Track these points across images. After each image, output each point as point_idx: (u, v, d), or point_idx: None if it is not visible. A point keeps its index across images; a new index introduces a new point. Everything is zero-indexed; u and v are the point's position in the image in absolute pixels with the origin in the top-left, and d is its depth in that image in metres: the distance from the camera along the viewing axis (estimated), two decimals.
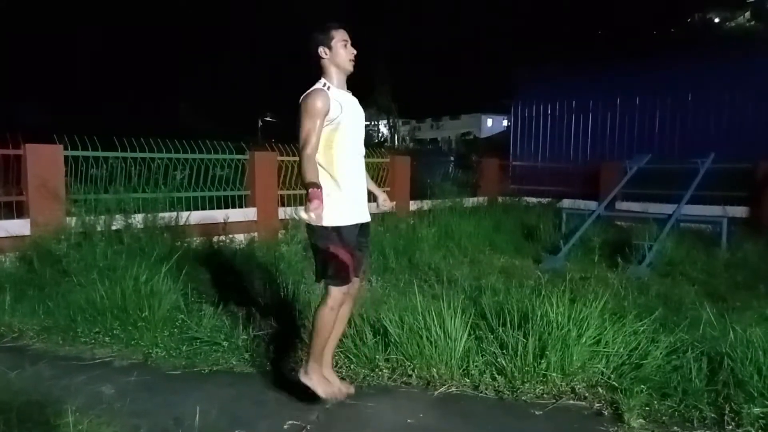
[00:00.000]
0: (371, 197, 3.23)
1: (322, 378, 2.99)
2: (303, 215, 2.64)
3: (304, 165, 2.72)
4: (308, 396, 3.04)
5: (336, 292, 2.87)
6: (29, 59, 21.71)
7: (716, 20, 38.52)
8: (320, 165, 2.84)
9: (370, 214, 3.12)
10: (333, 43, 2.85)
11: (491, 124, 50.61)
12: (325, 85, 2.84)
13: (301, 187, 2.84)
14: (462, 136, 43.73)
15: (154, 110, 22.85)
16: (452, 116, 53.58)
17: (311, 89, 2.82)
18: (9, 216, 5.96)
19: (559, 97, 13.68)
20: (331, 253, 2.83)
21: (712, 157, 8.42)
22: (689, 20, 36.09)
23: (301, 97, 2.83)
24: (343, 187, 2.85)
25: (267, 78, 27.16)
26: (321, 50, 2.85)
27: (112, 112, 21.59)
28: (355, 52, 2.91)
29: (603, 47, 17.16)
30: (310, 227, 2.87)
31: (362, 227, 3.00)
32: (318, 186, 2.65)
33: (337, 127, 2.80)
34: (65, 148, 6.35)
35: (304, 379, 2.96)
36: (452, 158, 18.15)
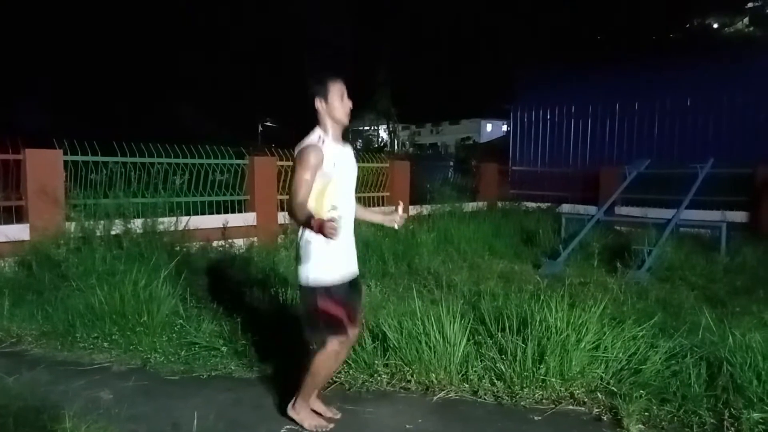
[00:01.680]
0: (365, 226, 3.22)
1: (309, 413, 3.01)
2: (330, 232, 2.57)
3: (296, 210, 2.70)
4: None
5: (334, 340, 2.84)
6: (29, 64, 21.74)
7: (715, 25, 38.63)
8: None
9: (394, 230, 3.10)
10: (329, 96, 2.85)
11: (491, 129, 50.65)
12: (320, 138, 2.83)
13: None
14: (462, 141, 43.76)
15: (154, 115, 22.88)
16: (452, 121, 53.64)
17: (307, 142, 2.81)
18: (8, 221, 5.96)
19: (558, 102, 13.70)
20: (322, 310, 2.79)
21: (711, 162, 8.43)
22: (688, 25, 36.20)
23: (297, 148, 2.84)
24: (331, 242, 2.72)
25: (267, 82, 27.20)
26: (317, 101, 2.86)
27: (112, 117, 21.63)
28: (350, 104, 2.91)
29: (602, 52, 17.18)
30: (299, 286, 2.88)
31: (352, 281, 2.96)
32: (312, 215, 2.64)
33: (329, 182, 2.80)
34: (65, 153, 6.35)
35: (292, 414, 3.00)
36: (452, 163, 18.18)
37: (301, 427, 2.97)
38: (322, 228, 2.54)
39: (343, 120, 2.91)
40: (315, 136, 2.85)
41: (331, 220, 2.57)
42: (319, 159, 2.75)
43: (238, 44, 26.15)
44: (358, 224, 3.13)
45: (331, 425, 3.00)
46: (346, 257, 2.92)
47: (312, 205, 2.76)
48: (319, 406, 3.09)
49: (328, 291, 2.80)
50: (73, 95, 22.68)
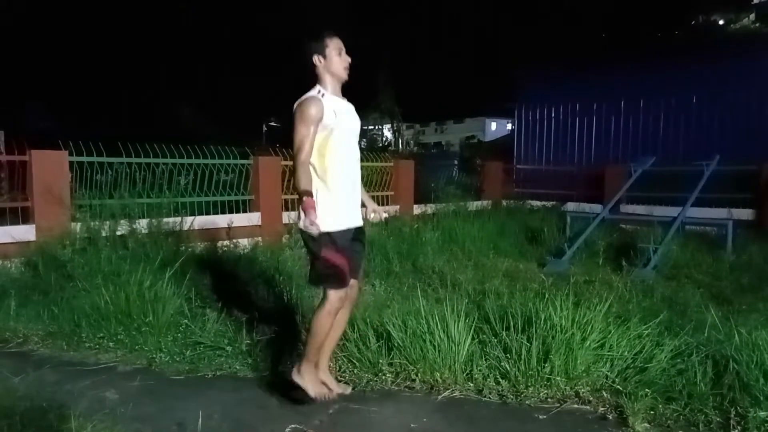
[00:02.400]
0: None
1: (314, 378, 3.01)
2: (312, 229, 2.69)
3: (297, 172, 2.74)
4: (299, 396, 3.06)
5: (333, 295, 2.89)
6: (35, 65, 21.85)
7: (720, 22, 38.43)
8: (314, 170, 2.87)
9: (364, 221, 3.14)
10: (327, 51, 2.86)
11: (495, 127, 50.59)
12: (319, 92, 2.84)
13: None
14: (466, 140, 43.73)
15: (159, 115, 22.95)
16: (456, 120, 53.62)
17: (305, 96, 2.83)
18: (14, 221, 5.99)
19: (563, 100, 13.66)
20: (325, 258, 2.84)
21: (717, 160, 8.39)
22: (693, 22, 36.03)
23: (295, 104, 2.84)
24: (336, 192, 2.86)
25: (271, 82, 27.25)
26: (315, 58, 2.86)
27: (117, 118, 21.70)
28: (349, 60, 2.92)
29: (607, 50, 17.13)
30: (303, 233, 2.89)
31: (356, 231, 3.01)
32: (311, 195, 2.69)
33: (331, 134, 2.81)
34: (70, 154, 6.38)
35: (296, 378, 2.99)
36: (456, 162, 18.15)
37: (305, 392, 2.96)
38: (307, 214, 2.60)
39: (342, 74, 2.91)
40: (314, 90, 2.85)
41: (313, 221, 2.63)
42: (320, 110, 2.76)
43: (242, 44, 26.20)
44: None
45: (337, 393, 3.01)
46: (349, 208, 2.95)
47: (315, 157, 2.76)
48: (329, 379, 3.09)
49: (331, 238, 2.82)
50: (78, 96, 22.77)
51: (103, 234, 5.81)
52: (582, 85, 13.22)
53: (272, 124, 32.50)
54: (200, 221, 7.06)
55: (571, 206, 11.16)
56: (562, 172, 12.86)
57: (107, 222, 5.95)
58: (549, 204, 11.58)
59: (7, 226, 5.88)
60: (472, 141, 41.54)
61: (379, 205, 8.46)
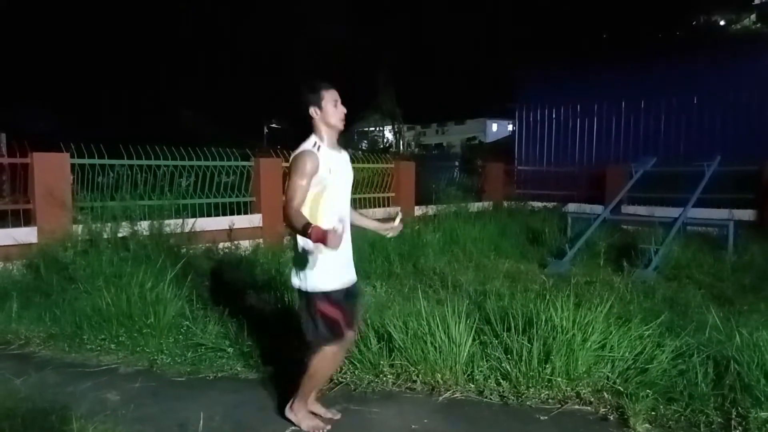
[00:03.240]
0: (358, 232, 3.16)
1: (306, 413, 3.03)
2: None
3: (291, 217, 2.66)
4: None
5: (332, 344, 2.87)
6: (36, 68, 21.89)
7: (721, 22, 38.42)
8: None
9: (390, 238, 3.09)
10: (323, 103, 2.86)
11: (496, 128, 50.58)
12: (315, 144, 2.83)
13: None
14: (467, 141, 43.72)
15: (160, 117, 22.97)
16: (457, 121, 53.60)
17: (302, 149, 2.82)
18: (16, 224, 6.00)
19: (563, 101, 13.67)
20: (321, 312, 2.81)
21: (718, 160, 8.38)
22: (694, 22, 36.02)
23: (292, 155, 2.85)
24: (329, 251, 2.70)
25: (272, 84, 27.27)
26: (312, 110, 2.86)
27: (118, 120, 21.73)
28: (345, 111, 2.92)
29: (607, 50, 17.11)
30: (298, 291, 2.89)
31: (351, 287, 2.96)
32: (309, 224, 2.58)
33: (324, 189, 2.80)
34: (72, 156, 6.39)
35: (289, 415, 3.03)
36: (457, 163, 18.15)
37: (299, 428, 2.98)
38: (323, 237, 2.47)
39: (338, 126, 2.91)
40: (310, 142, 2.85)
41: (334, 230, 2.50)
42: (315, 165, 2.76)
43: (244, 46, 26.22)
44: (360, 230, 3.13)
45: (329, 427, 3.00)
46: (344, 265, 2.91)
47: (306, 212, 2.75)
48: (318, 408, 3.11)
49: (327, 296, 2.82)
50: (79, 99, 22.82)
51: (105, 236, 5.82)
52: (583, 85, 13.23)
53: (273, 125, 32.52)
54: (201, 223, 7.07)
55: (572, 207, 11.15)
56: (563, 173, 12.86)
57: (109, 224, 5.96)
58: (550, 205, 11.58)
59: (8, 228, 5.90)
60: (473, 142, 41.58)
61: (380, 207, 8.41)
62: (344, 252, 2.90)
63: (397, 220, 3.19)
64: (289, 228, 2.74)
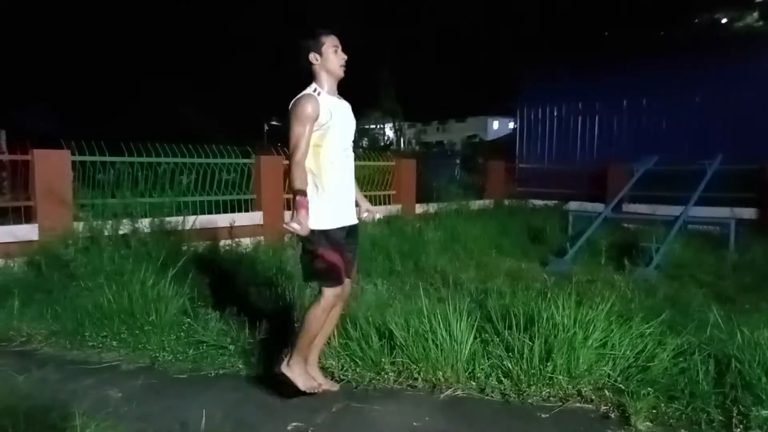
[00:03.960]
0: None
1: (303, 372, 3.04)
2: (293, 225, 2.72)
3: (293, 171, 2.77)
4: (289, 392, 3.09)
5: (328, 293, 2.92)
6: (36, 65, 21.88)
7: (724, 21, 38.34)
8: (308, 169, 2.88)
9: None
10: (324, 48, 2.86)
11: (497, 126, 50.59)
12: (315, 90, 2.84)
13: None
14: (468, 139, 43.68)
15: (161, 115, 22.96)
16: (458, 119, 53.58)
17: (301, 94, 2.84)
18: (17, 221, 6.00)
19: (565, 99, 13.66)
20: (321, 255, 2.87)
21: (719, 159, 8.38)
22: (696, 21, 35.95)
23: (291, 102, 2.84)
24: (330, 191, 2.89)
25: (272, 81, 27.25)
26: (312, 56, 2.86)
27: (119, 118, 21.71)
28: (345, 57, 2.92)
29: (609, 48, 17.08)
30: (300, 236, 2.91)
31: (350, 230, 3.04)
32: (305, 194, 2.71)
33: (326, 133, 2.82)
34: (72, 154, 6.39)
35: (285, 371, 3.02)
36: (458, 161, 18.14)
37: (294, 384, 2.99)
38: (298, 213, 2.63)
39: (338, 72, 2.91)
40: (310, 88, 2.86)
41: (300, 221, 2.65)
42: (316, 109, 2.76)
43: (243, 44, 26.20)
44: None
45: (325, 387, 3.04)
46: (343, 206, 2.98)
47: (310, 165, 2.80)
48: (317, 374, 3.13)
49: (326, 236, 2.86)
50: (79, 96, 22.81)
51: (106, 233, 5.81)
52: (584, 83, 13.21)
53: (274, 123, 32.50)
54: (202, 220, 7.06)
55: (573, 205, 11.15)
56: (565, 171, 12.85)
57: (109, 221, 5.95)
58: (551, 203, 11.58)
59: (9, 225, 5.90)
60: (474, 140, 41.53)
61: (381, 204, 8.43)
62: (344, 194, 2.98)
63: (368, 214, 3.31)
64: (289, 176, 2.81)
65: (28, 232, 5.86)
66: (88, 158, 6.52)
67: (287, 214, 8.06)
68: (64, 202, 6.01)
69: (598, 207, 9.55)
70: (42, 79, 22.09)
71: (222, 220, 7.40)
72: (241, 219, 7.58)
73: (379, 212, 8.12)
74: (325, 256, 2.87)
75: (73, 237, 5.63)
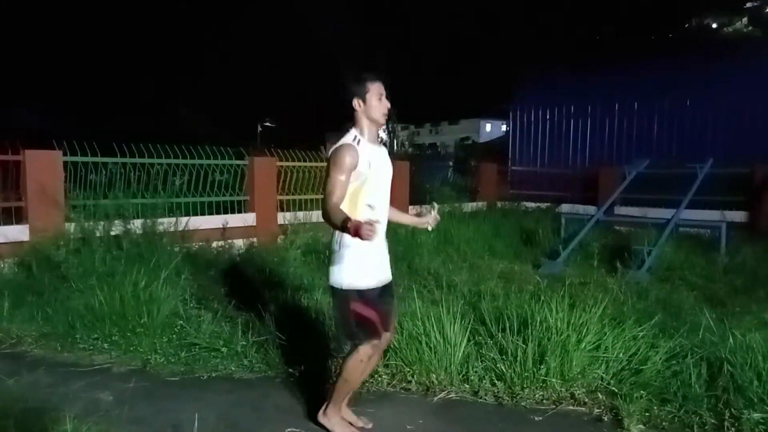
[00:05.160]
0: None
1: (340, 420, 2.96)
2: (368, 234, 2.42)
3: (331, 214, 2.60)
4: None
5: (365, 346, 2.79)
6: (28, 65, 21.74)
7: (714, 25, 38.64)
8: None
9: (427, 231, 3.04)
10: (368, 95, 2.78)
11: (490, 129, 50.67)
12: (355, 138, 2.76)
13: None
14: (461, 141, 43.76)
15: (154, 116, 22.87)
16: (451, 121, 53.64)
17: (342, 142, 2.75)
18: (8, 222, 5.95)
19: (557, 102, 13.71)
20: (355, 312, 2.75)
21: (710, 162, 8.44)
22: (687, 25, 36.21)
23: (331, 149, 2.77)
24: (365, 247, 2.68)
25: (266, 83, 27.22)
26: (355, 102, 2.78)
27: (112, 118, 21.60)
28: (389, 105, 2.82)
29: (601, 52, 17.18)
30: (332, 289, 2.82)
31: (385, 287, 2.89)
32: (348, 218, 2.51)
33: (364, 184, 2.74)
34: (64, 154, 6.34)
35: (323, 421, 2.94)
36: (451, 163, 18.17)
37: None
38: (358, 230, 2.41)
39: (381, 120, 2.83)
40: (350, 136, 2.78)
41: (368, 222, 2.43)
42: (355, 159, 2.68)
43: (238, 45, 26.15)
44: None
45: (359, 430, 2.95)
46: (379, 262, 2.85)
47: (346, 206, 2.68)
48: (350, 416, 3.04)
49: (361, 295, 2.74)
50: (72, 97, 22.68)
51: (98, 234, 5.77)
52: (576, 87, 13.27)
53: (267, 124, 32.44)
54: (195, 222, 7.03)
55: (565, 208, 11.19)
56: (557, 173, 12.90)
57: (101, 222, 5.91)
58: (544, 205, 11.61)
59: (0, 226, 5.85)
60: (466, 142, 41.63)
61: None
62: (379, 250, 2.86)
63: (434, 212, 3.15)
64: (327, 223, 2.65)
65: (18, 233, 5.80)
66: (80, 159, 6.47)
67: (280, 215, 8.04)
68: (55, 203, 5.96)
69: (590, 210, 9.61)
70: (34, 79, 21.94)
71: (215, 221, 7.37)
72: (234, 220, 7.55)
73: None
74: (359, 312, 2.74)
75: (64, 238, 5.59)
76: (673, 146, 11.65)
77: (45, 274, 5.14)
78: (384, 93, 2.83)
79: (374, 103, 2.79)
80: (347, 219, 2.50)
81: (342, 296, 2.77)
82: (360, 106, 2.79)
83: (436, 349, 3.50)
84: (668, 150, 11.53)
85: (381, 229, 2.84)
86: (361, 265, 2.75)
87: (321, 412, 2.96)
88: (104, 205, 6.19)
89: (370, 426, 3.05)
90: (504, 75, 16.40)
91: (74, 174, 6.45)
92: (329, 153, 2.78)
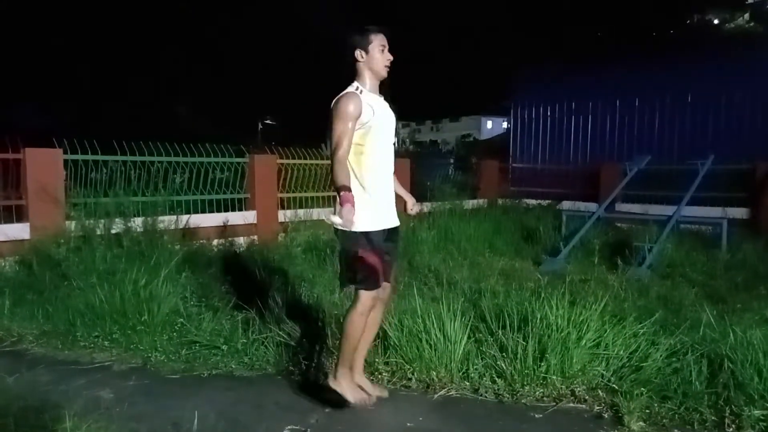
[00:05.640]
0: (399, 201, 3.17)
1: (351, 383, 2.95)
2: (334, 219, 2.59)
3: (335, 168, 2.66)
4: (334, 398, 3.02)
5: (366, 296, 2.83)
6: (29, 63, 21.74)
7: (715, 21, 38.55)
8: (350, 168, 2.80)
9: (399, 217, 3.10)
10: (371, 47, 2.80)
11: (491, 126, 50.62)
12: (357, 88, 2.79)
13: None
14: (462, 138, 43.73)
15: (154, 113, 22.88)
16: (452, 118, 53.60)
17: (344, 92, 2.77)
18: (8, 220, 5.96)
19: (558, 99, 13.69)
20: (360, 257, 2.79)
21: (711, 159, 8.42)
22: (688, 21, 36.13)
23: (333, 100, 2.79)
24: (372, 191, 2.81)
25: (267, 80, 27.21)
26: (357, 53, 2.80)
27: (112, 116, 21.60)
28: (391, 57, 2.85)
29: (602, 49, 17.16)
30: (338, 232, 2.84)
31: (391, 232, 2.95)
32: (349, 189, 2.61)
33: (368, 131, 2.76)
34: (65, 152, 6.35)
35: (334, 385, 2.93)
36: (452, 160, 18.17)
37: (345, 398, 2.92)
38: (344, 208, 2.51)
39: (383, 72, 2.86)
40: (353, 86, 2.80)
41: (351, 207, 2.54)
42: (358, 107, 2.70)
43: (238, 44, 26.14)
44: None
45: (374, 400, 2.94)
46: (385, 207, 2.92)
47: (351, 157, 2.72)
48: (364, 382, 3.04)
49: (368, 238, 2.79)
50: (73, 95, 22.69)
51: (98, 232, 5.78)
52: (577, 83, 13.25)
53: (267, 122, 32.44)
54: (195, 220, 7.04)
55: (566, 205, 11.18)
56: (558, 170, 12.89)
57: (102, 220, 5.92)
58: (545, 202, 11.61)
59: (1, 224, 5.85)
60: (467, 139, 41.61)
61: None
62: (387, 194, 2.93)
63: (421, 207, 3.31)
64: (332, 174, 2.70)
65: (19, 231, 5.81)
66: (80, 157, 6.48)
67: (281, 213, 8.04)
68: (56, 201, 5.97)
69: (591, 206, 9.60)
70: (37, 78, 21.96)
71: (215, 219, 7.37)
72: (235, 218, 7.56)
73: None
74: (364, 258, 2.78)
75: (65, 236, 5.60)
76: (674, 143, 11.63)
77: (45, 272, 5.15)
78: (387, 45, 2.86)
79: (377, 54, 2.82)
80: (346, 188, 2.60)
81: (349, 239, 2.80)
82: (362, 57, 2.81)
83: (437, 346, 3.49)
84: (669, 146, 11.51)
85: (387, 177, 2.93)
86: (370, 209, 2.80)
87: (331, 377, 2.96)
88: (105, 203, 6.20)
89: (386, 394, 3.06)
90: (505, 72, 16.36)
91: (75, 172, 6.46)
92: (332, 104, 2.79)
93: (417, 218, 8.15)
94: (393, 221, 2.97)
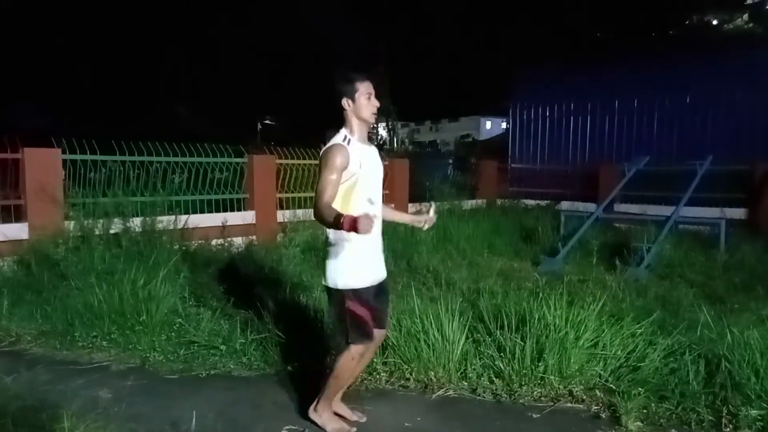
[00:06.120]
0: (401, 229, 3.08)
1: (331, 415, 2.97)
2: (365, 230, 2.40)
3: (323, 212, 2.59)
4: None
5: (358, 346, 2.81)
6: (28, 62, 21.71)
7: (714, 22, 38.58)
8: None
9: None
10: (357, 95, 2.79)
11: (490, 126, 50.64)
12: (345, 138, 2.77)
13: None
14: (461, 139, 43.71)
15: (153, 114, 22.86)
16: (451, 119, 53.59)
17: (332, 143, 2.76)
18: (7, 220, 5.95)
19: (557, 100, 13.70)
20: (349, 310, 2.77)
21: (710, 159, 8.43)
22: (687, 22, 36.15)
23: (322, 150, 2.79)
24: (359, 245, 2.75)
25: (266, 81, 27.19)
26: (344, 101, 2.80)
27: (111, 116, 21.58)
28: (378, 104, 2.85)
29: (601, 49, 17.18)
30: (328, 290, 2.84)
31: (380, 284, 2.92)
32: (340, 214, 2.51)
33: (355, 184, 2.75)
34: (63, 152, 6.34)
35: (314, 417, 2.95)
36: (451, 161, 18.17)
37: (323, 430, 2.92)
38: (355, 224, 2.40)
39: (369, 120, 2.84)
40: (340, 136, 2.79)
41: (366, 215, 2.45)
42: (345, 159, 2.69)
43: (237, 43, 26.12)
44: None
45: (354, 429, 2.94)
46: (374, 260, 2.87)
47: (338, 205, 2.68)
48: (343, 410, 3.05)
49: (356, 293, 2.77)
50: (71, 94, 22.67)
51: (97, 232, 5.78)
52: (576, 84, 13.26)
53: (267, 122, 32.41)
54: (194, 220, 7.03)
55: (565, 205, 11.20)
56: (557, 171, 12.90)
57: (101, 220, 5.92)
58: (543, 203, 11.62)
59: None
60: (466, 140, 41.58)
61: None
62: (374, 248, 2.87)
63: (432, 212, 3.15)
64: (320, 222, 2.65)
65: (18, 231, 5.81)
66: (79, 157, 6.47)
67: (280, 213, 8.04)
68: (54, 201, 5.96)
69: (590, 207, 9.61)
70: (36, 77, 21.93)
71: (214, 219, 7.37)
72: (234, 218, 7.55)
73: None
74: (353, 311, 2.76)
75: (63, 236, 5.60)
76: (672, 143, 11.64)
77: (44, 272, 5.14)
78: (373, 92, 2.85)
79: (363, 102, 2.81)
80: (339, 215, 2.50)
81: (337, 295, 2.80)
82: (349, 105, 2.81)
83: (435, 346, 3.50)
84: (668, 147, 11.52)
85: (376, 227, 2.82)
86: (357, 265, 2.77)
87: (312, 407, 2.98)
88: (103, 203, 6.20)
89: (364, 419, 3.06)
90: (504, 72, 16.36)
91: (73, 172, 6.46)
92: (320, 154, 2.80)
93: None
94: (381, 274, 2.92)
